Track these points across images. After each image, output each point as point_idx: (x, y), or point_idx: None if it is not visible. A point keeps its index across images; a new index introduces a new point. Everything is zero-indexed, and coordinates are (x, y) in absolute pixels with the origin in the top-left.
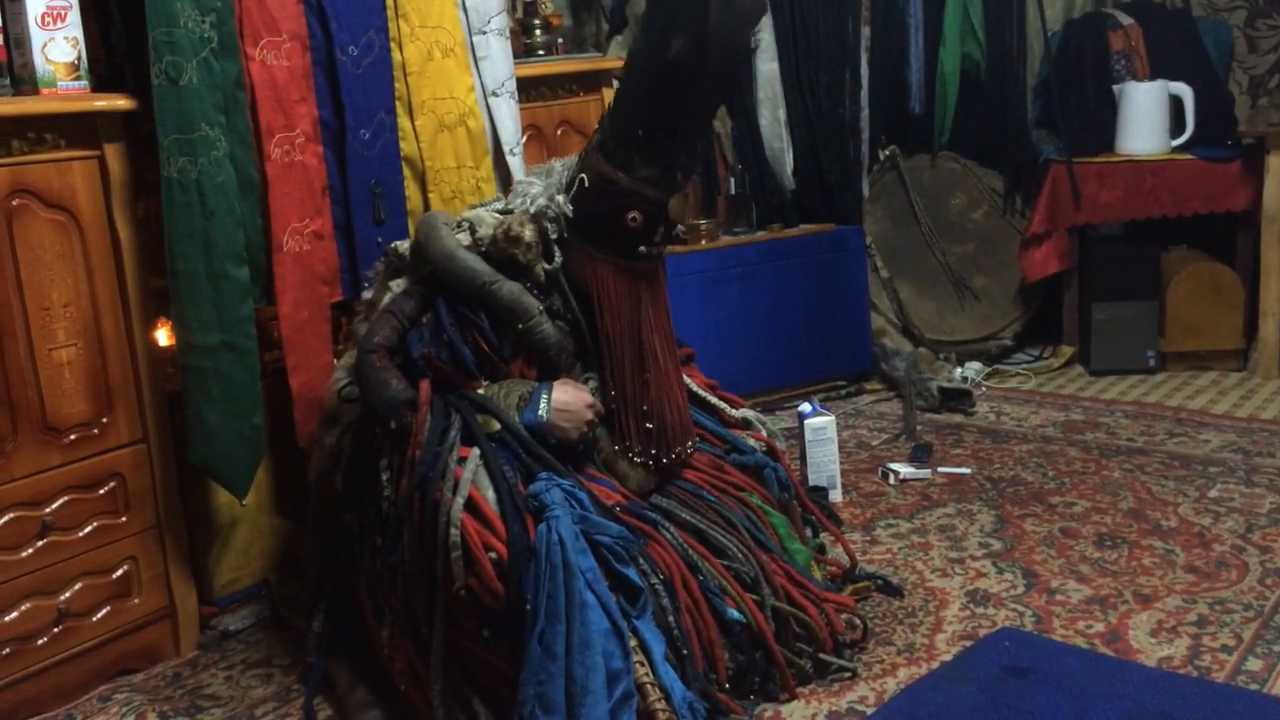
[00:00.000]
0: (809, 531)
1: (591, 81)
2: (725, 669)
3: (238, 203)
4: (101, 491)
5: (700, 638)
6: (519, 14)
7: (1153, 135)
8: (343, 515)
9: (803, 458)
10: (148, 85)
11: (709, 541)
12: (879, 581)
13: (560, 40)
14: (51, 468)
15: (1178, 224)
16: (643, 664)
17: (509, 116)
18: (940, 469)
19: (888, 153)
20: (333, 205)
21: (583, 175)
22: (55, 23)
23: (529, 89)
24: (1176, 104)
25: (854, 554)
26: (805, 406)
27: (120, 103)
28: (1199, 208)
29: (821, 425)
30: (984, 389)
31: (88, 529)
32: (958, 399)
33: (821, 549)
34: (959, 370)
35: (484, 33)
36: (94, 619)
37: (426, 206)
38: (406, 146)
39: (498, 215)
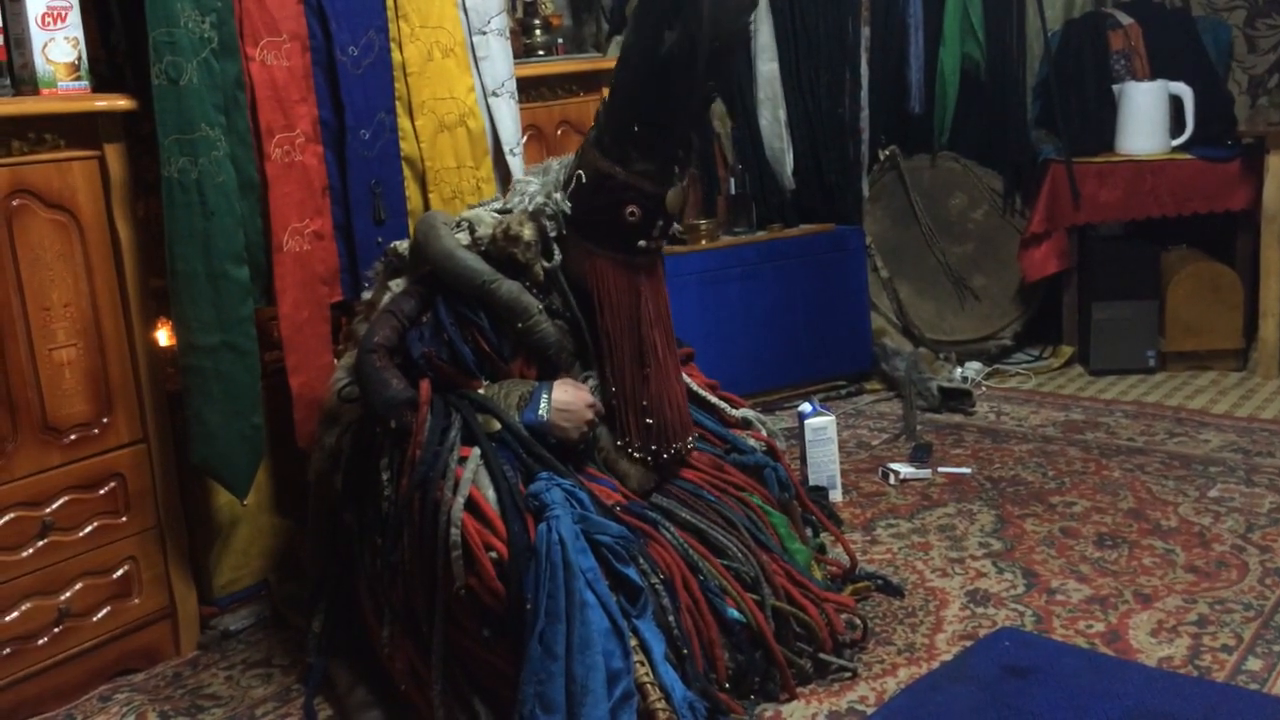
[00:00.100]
0: (809, 531)
1: (591, 81)
2: (725, 669)
3: (238, 203)
4: (102, 491)
5: (700, 637)
6: (519, 14)
7: (1152, 135)
8: (343, 515)
9: (803, 458)
10: (148, 85)
11: (709, 541)
12: (879, 581)
13: (560, 40)
14: (52, 468)
15: (1177, 224)
16: (643, 663)
17: (509, 116)
18: (940, 469)
19: (888, 153)
20: (333, 205)
21: (580, 172)
22: (55, 23)
23: (529, 89)
24: (1176, 104)
25: (854, 554)
26: (805, 406)
27: (120, 103)
28: (1199, 207)
29: (822, 425)
30: (984, 389)
31: (88, 529)
32: (958, 399)
33: (822, 549)
34: (959, 370)
35: (484, 33)
36: (94, 619)
37: (426, 206)
38: (406, 147)
39: (496, 215)
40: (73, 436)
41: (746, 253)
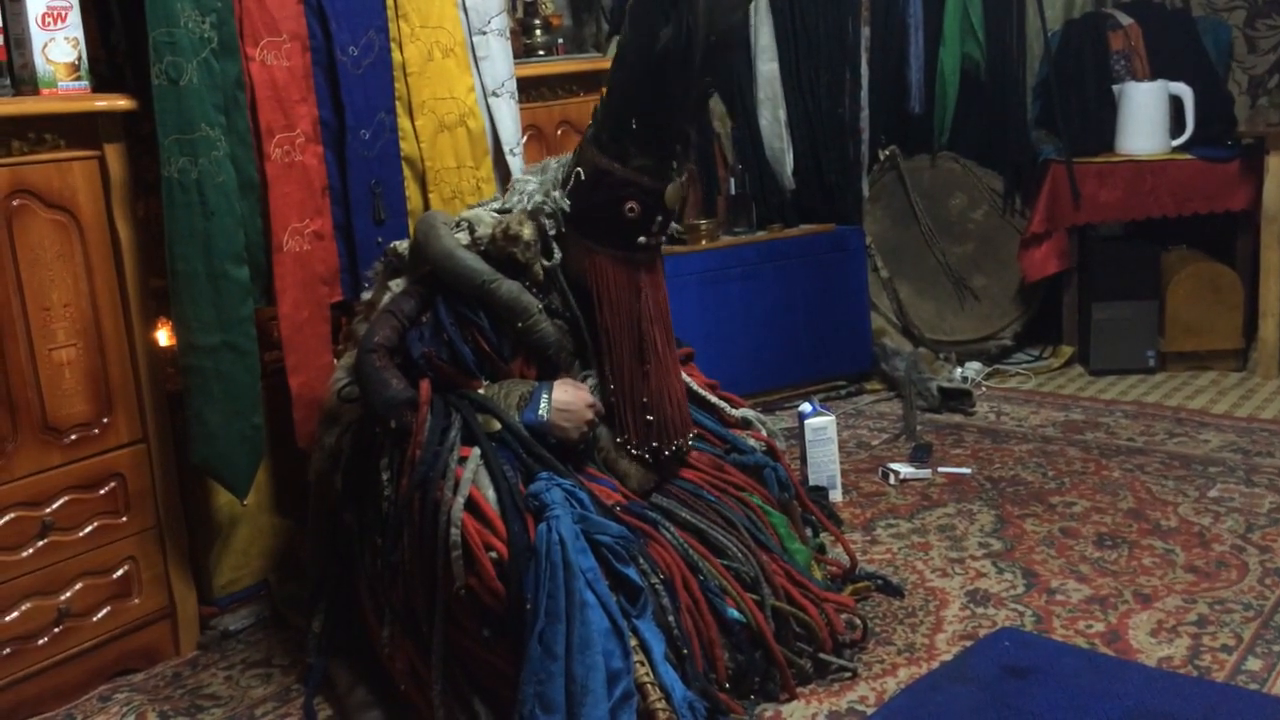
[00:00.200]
0: (809, 531)
1: (591, 81)
2: (725, 669)
3: (238, 203)
4: (102, 492)
5: (700, 637)
6: (519, 14)
7: (1152, 135)
8: (343, 515)
9: (803, 458)
10: (148, 85)
11: (709, 541)
12: (879, 581)
13: (560, 40)
14: (52, 468)
15: (1177, 224)
16: (643, 663)
17: (509, 116)
18: (940, 469)
19: (888, 153)
20: (333, 205)
21: (579, 169)
22: (55, 23)
23: (529, 89)
24: (1176, 104)
25: (854, 554)
26: (805, 406)
27: (120, 103)
28: (1199, 208)
29: (822, 425)
30: (984, 389)
31: (88, 529)
32: (958, 399)
33: (821, 549)
34: (959, 370)
35: (484, 33)
36: (94, 619)
37: (426, 206)
38: (407, 147)
39: (496, 214)
40: (73, 436)
41: (746, 253)
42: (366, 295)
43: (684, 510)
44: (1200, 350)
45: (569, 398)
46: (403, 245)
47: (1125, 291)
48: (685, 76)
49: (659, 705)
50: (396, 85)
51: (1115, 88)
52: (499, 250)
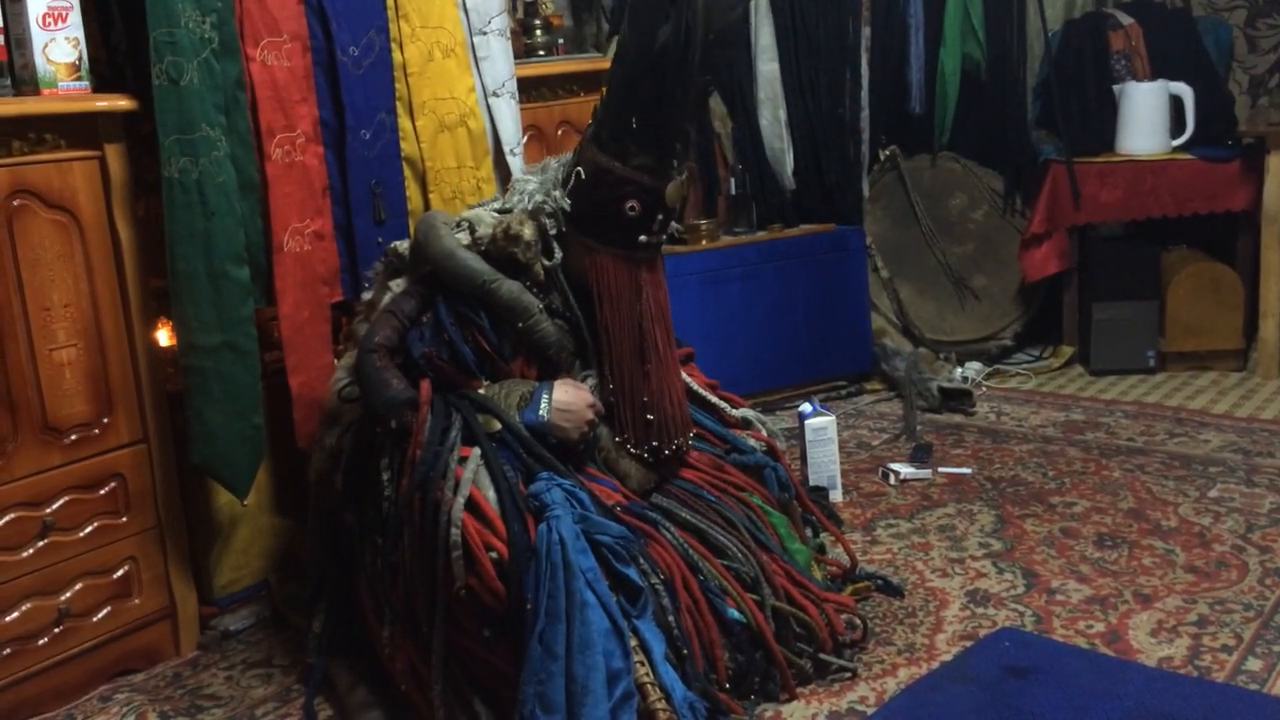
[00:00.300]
0: (809, 531)
1: (592, 81)
2: (725, 669)
3: (238, 203)
4: (102, 492)
5: (700, 638)
6: (519, 14)
7: (1153, 135)
8: (343, 515)
9: (803, 458)
10: (148, 85)
11: (709, 541)
12: (879, 581)
13: (561, 40)
14: (52, 468)
15: (1178, 224)
16: (643, 664)
17: (509, 117)
18: (940, 469)
19: (888, 153)
20: (333, 205)
21: (579, 168)
22: (56, 23)
23: (529, 89)
24: (1176, 104)
25: (854, 554)
26: (805, 406)
27: (121, 103)
28: (1199, 208)
29: (822, 425)
30: (984, 389)
31: (88, 529)
32: (958, 399)
33: (822, 549)
34: (959, 370)
35: (484, 33)
36: (94, 619)
37: (427, 207)
38: (407, 147)
39: (496, 214)
40: (73, 437)
41: (747, 253)
42: (367, 295)
43: (684, 510)
44: (1200, 350)
45: (569, 398)
46: (403, 245)
47: (1125, 291)
48: (684, 75)
49: (659, 705)
50: (397, 85)
51: (1115, 88)
52: (499, 250)
